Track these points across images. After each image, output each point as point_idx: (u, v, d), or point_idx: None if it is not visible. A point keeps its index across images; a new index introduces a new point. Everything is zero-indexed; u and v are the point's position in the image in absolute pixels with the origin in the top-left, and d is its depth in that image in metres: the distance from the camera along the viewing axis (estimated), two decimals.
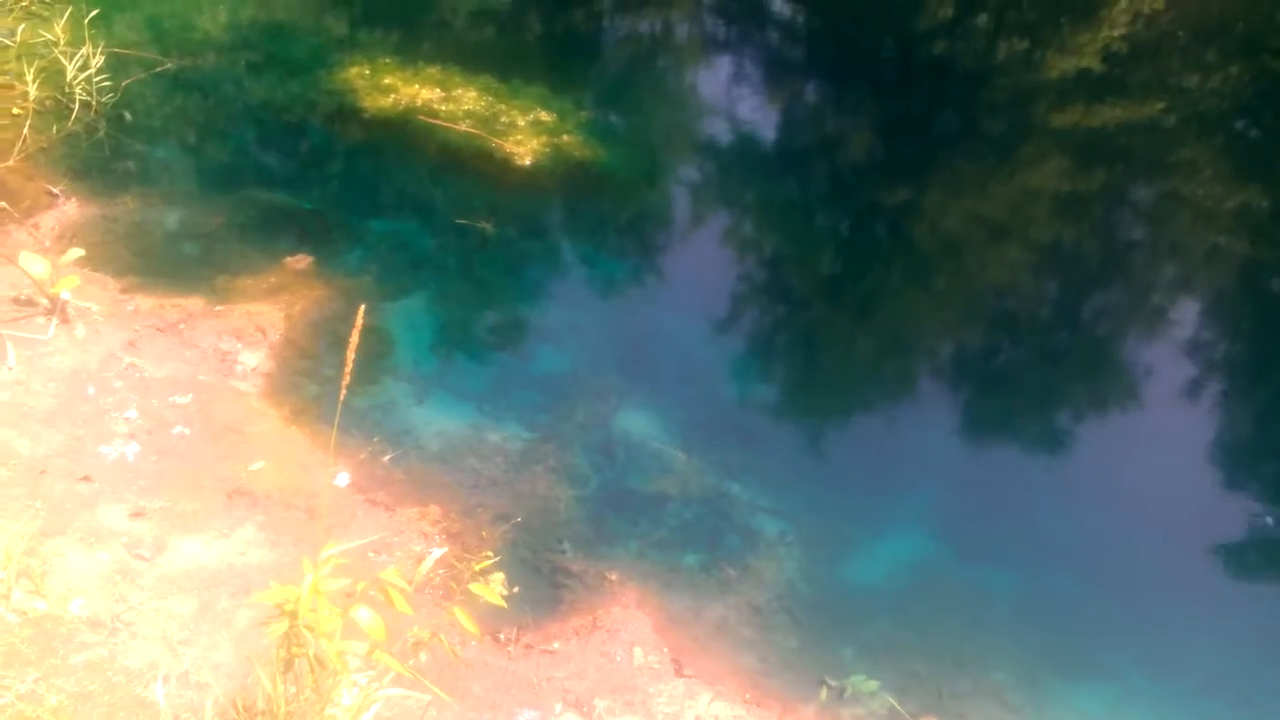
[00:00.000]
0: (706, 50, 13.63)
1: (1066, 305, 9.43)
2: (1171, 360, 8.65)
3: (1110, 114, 12.54)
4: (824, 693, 5.37)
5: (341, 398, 3.34)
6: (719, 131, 11.09)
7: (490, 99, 10.13)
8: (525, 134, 9.67)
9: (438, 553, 4.03)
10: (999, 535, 6.69)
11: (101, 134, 8.72)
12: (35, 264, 6.24)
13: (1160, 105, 13.02)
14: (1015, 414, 7.93)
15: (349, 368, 3.21)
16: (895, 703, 5.36)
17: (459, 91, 10.16)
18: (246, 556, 5.26)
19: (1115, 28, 14.59)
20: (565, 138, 9.76)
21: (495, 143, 9.47)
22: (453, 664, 4.72)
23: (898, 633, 5.85)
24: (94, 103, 8.85)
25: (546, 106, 10.19)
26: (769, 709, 5.21)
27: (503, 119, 9.86)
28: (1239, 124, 13.64)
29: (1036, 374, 8.39)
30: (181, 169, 8.60)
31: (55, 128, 8.60)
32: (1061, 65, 13.97)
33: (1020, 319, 9.09)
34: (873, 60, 13.59)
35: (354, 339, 3.18)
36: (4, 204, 7.52)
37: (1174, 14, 14.44)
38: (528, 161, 9.33)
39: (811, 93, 13.20)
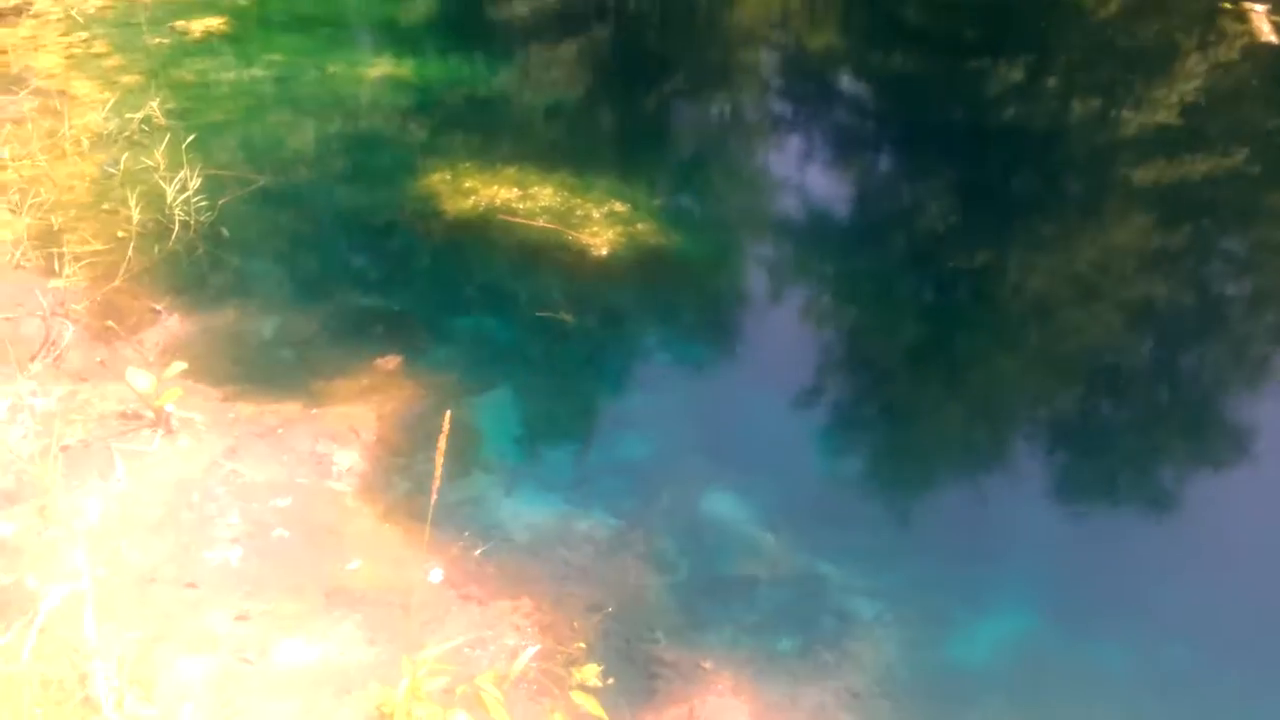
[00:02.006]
0: (776, 130, 13.82)
1: (1163, 362, 9.20)
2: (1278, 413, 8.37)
3: (1192, 167, 12.35)
4: None
5: (434, 499, 3.42)
6: (792, 211, 11.21)
7: (566, 194, 10.40)
8: (601, 225, 9.88)
9: (531, 650, 4.00)
10: (1108, 608, 6.47)
11: (201, 252, 9.16)
12: (140, 379, 6.55)
13: (1243, 154, 12.78)
14: (1117, 479, 7.72)
15: (439, 469, 3.30)
16: None
17: (535, 189, 10.46)
18: (346, 655, 5.35)
19: (1191, 80, 14.43)
20: (639, 226, 9.95)
21: (571, 235, 9.70)
22: None
23: (1006, 716, 5.65)
24: (193, 222, 9.33)
25: (620, 197, 10.42)
26: None
27: (578, 212, 10.10)
28: None
29: (1137, 435, 8.17)
30: (277, 280, 8.97)
31: (157, 248, 9.08)
32: (1138, 121, 13.83)
33: (1115, 379, 8.88)
34: (944, 130, 13.60)
35: (441, 443, 3.29)
36: (111, 323, 7.93)
37: (1249, 63, 14.22)
38: (604, 252, 9.52)
39: (883, 166, 13.26)
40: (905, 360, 9.02)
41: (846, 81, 15.69)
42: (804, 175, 12.25)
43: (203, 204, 9.42)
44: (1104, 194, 12.05)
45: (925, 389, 8.65)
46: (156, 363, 7.56)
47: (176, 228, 9.27)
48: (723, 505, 6.92)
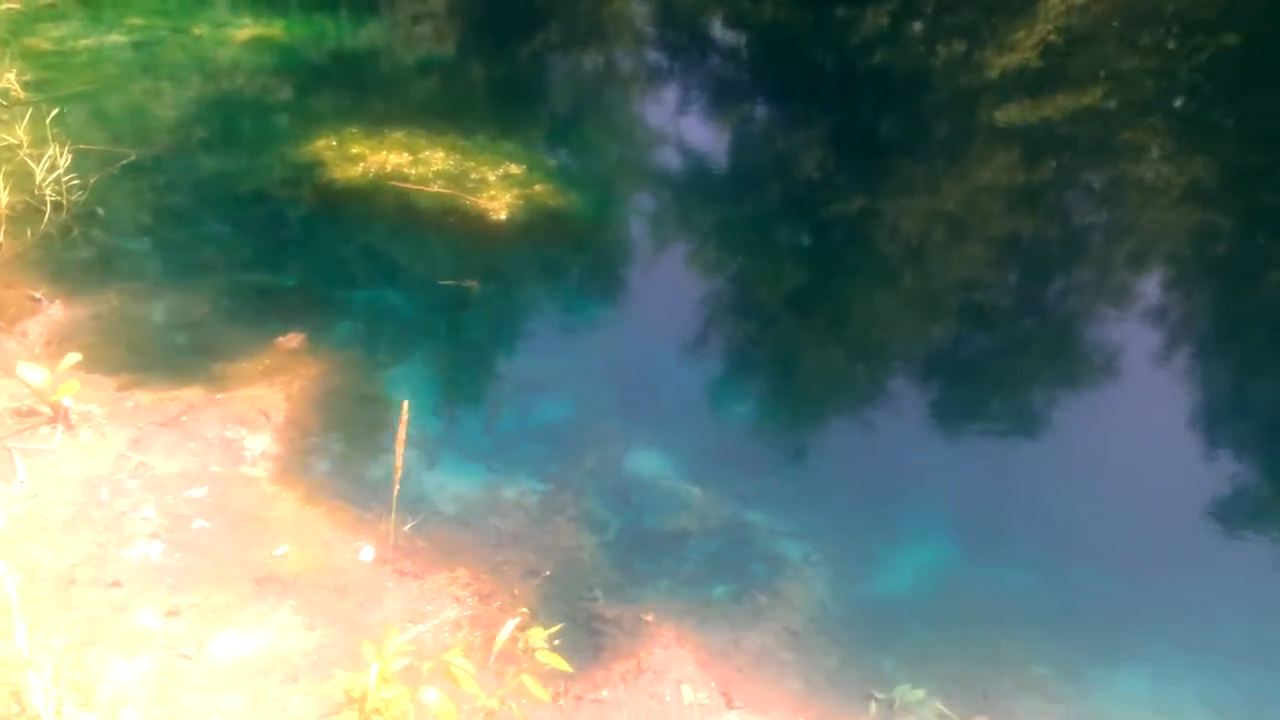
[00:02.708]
0: (652, 82, 13.85)
1: (1034, 294, 9.67)
2: (1148, 335, 8.95)
3: (1053, 106, 12.90)
4: (874, 707, 5.44)
5: (396, 490, 3.37)
6: (678, 163, 11.30)
7: (458, 157, 10.24)
8: (497, 188, 9.77)
9: (512, 624, 4.00)
10: (1012, 531, 6.82)
11: (76, 233, 8.71)
12: (33, 373, 6.23)
13: (1101, 92, 13.39)
14: (1004, 407, 8.16)
15: (399, 459, 3.27)
16: (944, 708, 5.43)
17: (426, 153, 10.25)
18: (286, 642, 5.26)
19: (1049, 21, 14.99)
20: (536, 188, 9.87)
21: (468, 199, 9.56)
22: None
23: (933, 639, 5.93)
24: (65, 202, 8.85)
25: (513, 159, 10.32)
26: None
27: (473, 176, 9.96)
28: (1178, 102, 14.06)
29: (1018, 364, 8.60)
30: (160, 260, 8.59)
31: (29, 231, 8.59)
32: (1001, 63, 14.34)
33: (992, 312, 9.33)
34: (814, 77, 13.87)
35: (401, 433, 3.27)
36: None
37: (1106, 3, 14.84)
38: (503, 215, 9.42)
39: (759, 115, 13.44)
40: (793, 306, 9.24)
41: (718, 30, 15.78)
42: (683, 127, 12.34)
43: (74, 182, 8.93)
44: (969, 135, 12.51)
45: (814, 333, 8.87)
46: (45, 355, 7.20)
47: (48, 209, 8.78)
48: (645, 462, 7.00)
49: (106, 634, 5.06)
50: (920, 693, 5.50)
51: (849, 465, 7.39)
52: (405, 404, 3.40)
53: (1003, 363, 8.70)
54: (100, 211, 8.96)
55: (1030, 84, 13.55)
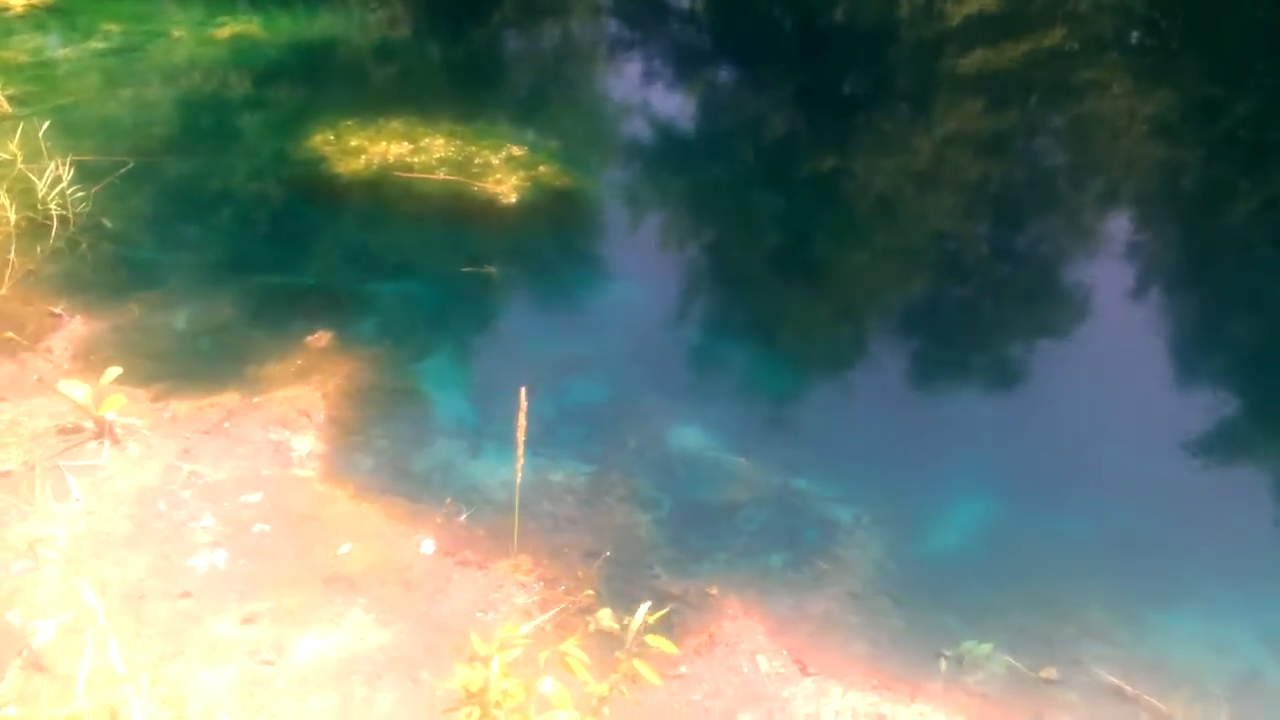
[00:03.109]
0: (625, 52, 13.87)
1: (1032, 239, 9.81)
2: (1147, 274, 9.07)
3: (1015, 50, 13.01)
4: (943, 664, 5.53)
5: (518, 479, 3.39)
6: (666, 132, 11.41)
7: (459, 143, 10.18)
8: (502, 172, 9.73)
9: (644, 607, 4.02)
10: (1052, 477, 6.94)
11: (85, 246, 8.60)
12: (76, 389, 6.19)
13: (1061, 33, 13.48)
14: (1028, 354, 8.28)
15: (520, 448, 3.28)
16: (1013, 661, 5.54)
17: (426, 141, 10.19)
18: (363, 641, 5.28)
19: None
20: (541, 169, 9.84)
21: (476, 185, 9.52)
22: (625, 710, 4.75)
23: (991, 592, 6.03)
24: (70, 215, 8.75)
25: (513, 141, 10.29)
26: (899, 691, 5.36)
27: (476, 161, 9.91)
28: (1135, 36, 14.20)
29: (1035, 312, 8.74)
30: (174, 266, 8.50)
31: (39, 247, 8.48)
32: (962, 11, 14.40)
33: (1000, 261, 9.46)
34: (776, 37, 13.85)
35: (521, 420, 3.26)
36: (10, 334, 7.41)
37: None
38: (513, 199, 9.39)
39: (736, 76, 13.51)
40: (812, 270, 9.30)
41: None
42: (664, 95, 12.43)
43: (77, 195, 8.81)
44: (934, 86, 12.61)
45: (836, 297, 8.94)
46: (75, 370, 7.14)
47: (54, 223, 8.67)
48: (687, 436, 7.04)
49: (186, 645, 5.07)
50: (987, 647, 5.60)
51: (885, 425, 7.45)
52: (523, 390, 3.40)
53: (1021, 311, 8.80)
54: (106, 222, 8.86)
55: (991, 30, 13.65)
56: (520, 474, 3.66)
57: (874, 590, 6.01)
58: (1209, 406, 7.54)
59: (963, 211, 10.16)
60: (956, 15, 14.20)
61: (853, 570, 6.11)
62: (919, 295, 8.99)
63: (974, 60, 12.86)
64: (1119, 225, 10.02)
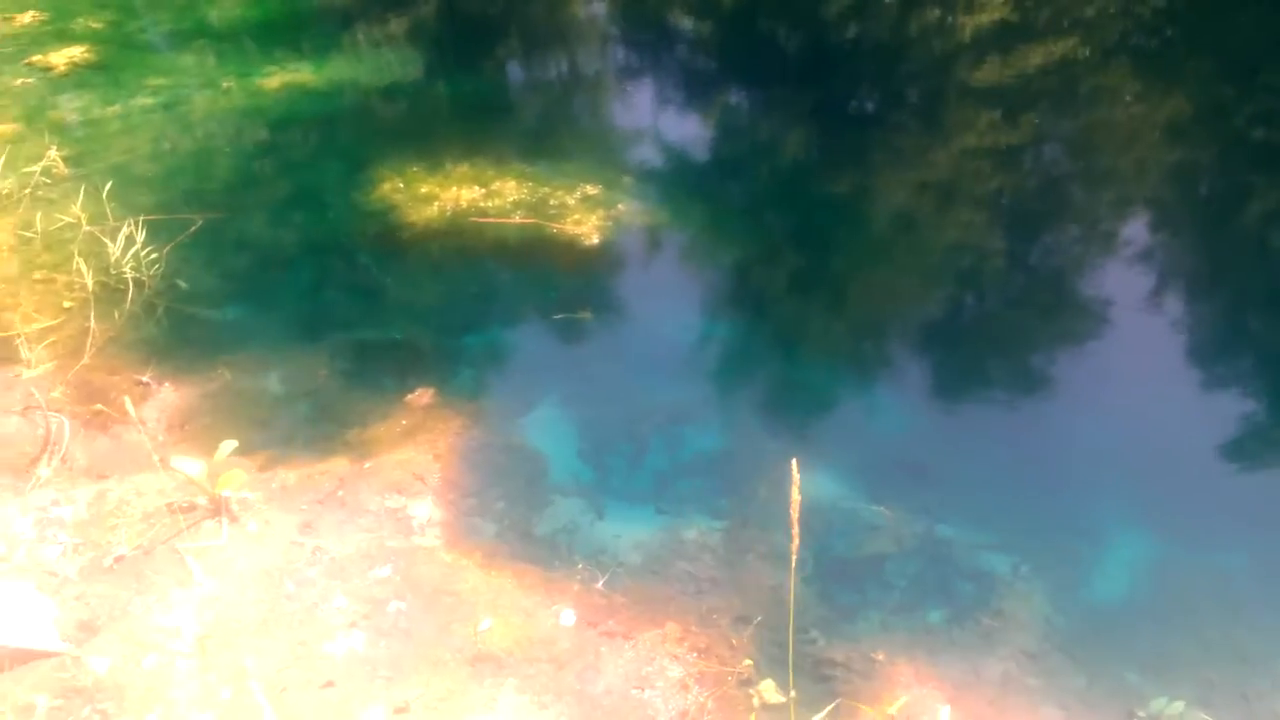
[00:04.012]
0: (671, 84, 13.56)
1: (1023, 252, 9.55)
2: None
3: (1026, 60, 12.79)
4: None
5: (793, 561, 3.08)
6: (731, 162, 11.09)
7: (531, 184, 9.91)
8: (581, 213, 9.45)
9: (946, 710, 3.68)
10: (1205, 508, 6.59)
11: (164, 309, 8.31)
12: (190, 465, 5.87)
13: (1070, 41, 13.26)
14: (1165, 375, 7.90)
15: (795, 525, 2.97)
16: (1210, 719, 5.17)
17: (497, 184, 9.92)
18: None
19: None
20: (621, 207, 9.56)
21: (555, 227, 9.24)
22: None
23: (1168, 641, 5.69)
24: (145, 278, 8.47)
25: (586, 180, 10.00)
26: None
27: (552, 202, 9.63)
28: (1141, 40, 14.01)
29: (1171, 333, 8.38)
30: (257, 327, 8.21)
31: (116, 313, 8.20)
32: (973, 23, 14.17)
33: (995, 278, 9.21)
34: (789, 56, 13.67)
35: (795, 494, 2.95)
36: (100, 405, 7.11)
37: None
38: (595, 240, 9.11)
39: (773, 100, 13.16)
40: (917, 302, 8.97)
41: (689, 22, 15.48)
42: (716, 122, 12.20)
43: (149, 256, 8.53)
44: (949, 99, 12.40)
45: (954, 330, 8.59)
46: (171, 440, 6.85)
47: (130, 287, 8.39)
48: (816, 485, 6.69)
49: None
50: (1179, 705, 5.25)
51: (1017, 459, 7.06)
52: (795, 461, 3.10)
53: (1118, 329, 8.45)
54: (182, 284, 8.57)
55: (1003, 41, 13.46)
56: (795, 553, 3.27)
57: (1049, 647, 5.66)
58: None
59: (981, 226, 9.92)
60: (968, 28, 14.00)
61: (1020, 626, 5.76)
62: (1011, 319, 8.65)
63: (987, 72, 12.69)
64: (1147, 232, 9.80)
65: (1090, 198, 10.30)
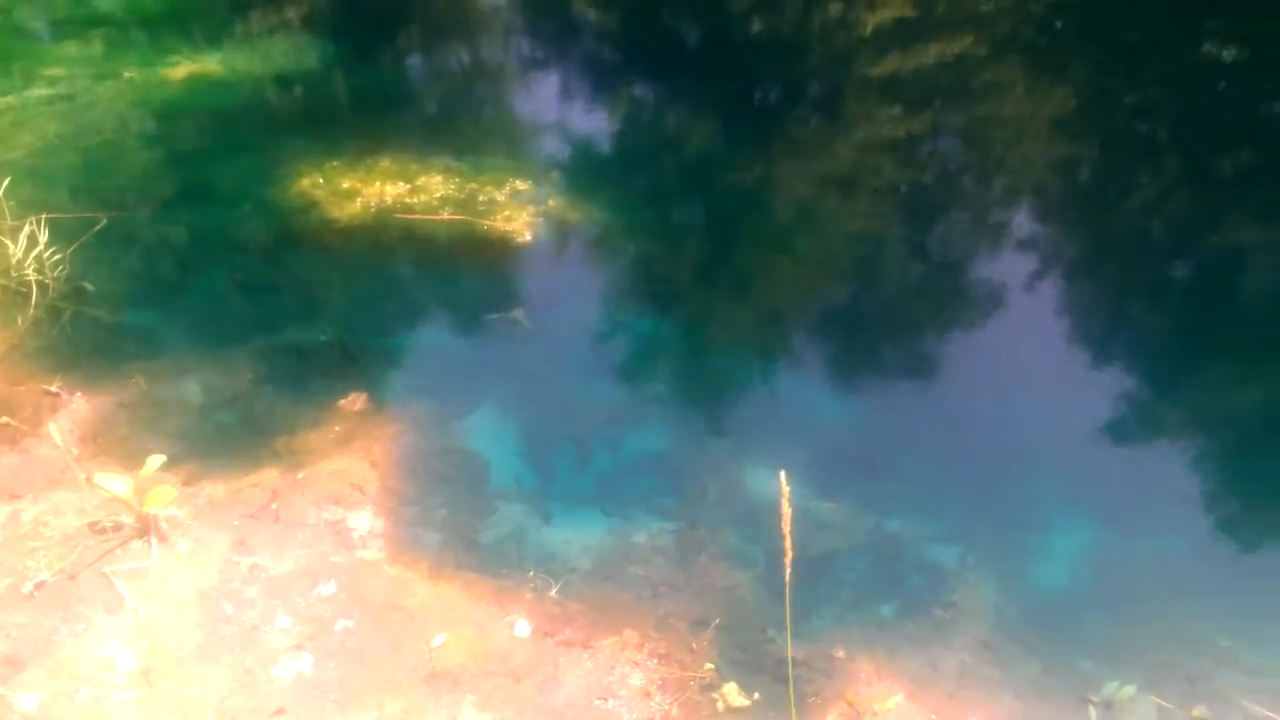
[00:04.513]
0: (598, 77, 13.42)
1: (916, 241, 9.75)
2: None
3: (924, 56, 13.11)
4: (1093, 713, 5.27)
5: (788, 577, 3.00)
6: (661, 155, 11.04)
7: (457, 179, 9.67)
8: (511, 209, 9.25)
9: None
10: (1142, 496, 6.76)
11: (70, 314, 7.87)
12: (116, 482, 5.54)
13: (969, 38, 13.61)
14: (1101, 366, 8.10)
15: (788, 539, 2.90)
16: (1161, 701, 5.29)
17: (422, 179, 9.65)
18: None
19: None
20: (550, 203, 9.40)
21: (485, 224, 9.03)
22: None
23: (1115, 627, 5.80)
24: (49, 281, 7.99)
25: (513, 174, 9.83)
26: None
27: (480, 198, 9.41)
28: (1032, 35, 14.49)
29: (1095, 319, 8.57)
30: (173, 331, 7.82)
31: (19, 318, 7.74)
32: (874, 20, 14.42)
33: (881, 266, 9.36)
34: (698, 49, 13.71)
35: (785, 508, 2.89)
36: (6, 419, 6.68)
37: None
38: (527, 237, 8.93)
39: (648, 94, 13.17)
40: (853, 295, 9.02)
41: (594, 13, 15.39)
42: (641, 116, 12.11)
43: (52, 257, 8.05)
44: (850, 92, 12.67)
45: (883, 324, 8.62)
46: (86, 454, 6.48)
47: (33, 290, 7.91)
48: (763, 483, 6.66)
49: None
50: (1130, 689, 5.34)
51: (959, 452, 7.09)
52: (783, 474, 3.03)
53: (1077, 324, 8.67)
54: (88, 286, 8.12)
55: (902, 37, 13.76)
56: (789, 568, 3.19)
57: (1000, 637, 5.71)
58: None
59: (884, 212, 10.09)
60: (869, 24, 14.24)
61: (972, 616, 5.82)
62: (962, 315, 8.75)
63: (886, 66, 12.97)
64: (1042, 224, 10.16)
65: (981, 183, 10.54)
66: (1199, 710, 5.26)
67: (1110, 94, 12.45)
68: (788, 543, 3.03)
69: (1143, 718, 5.26)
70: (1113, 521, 6.52)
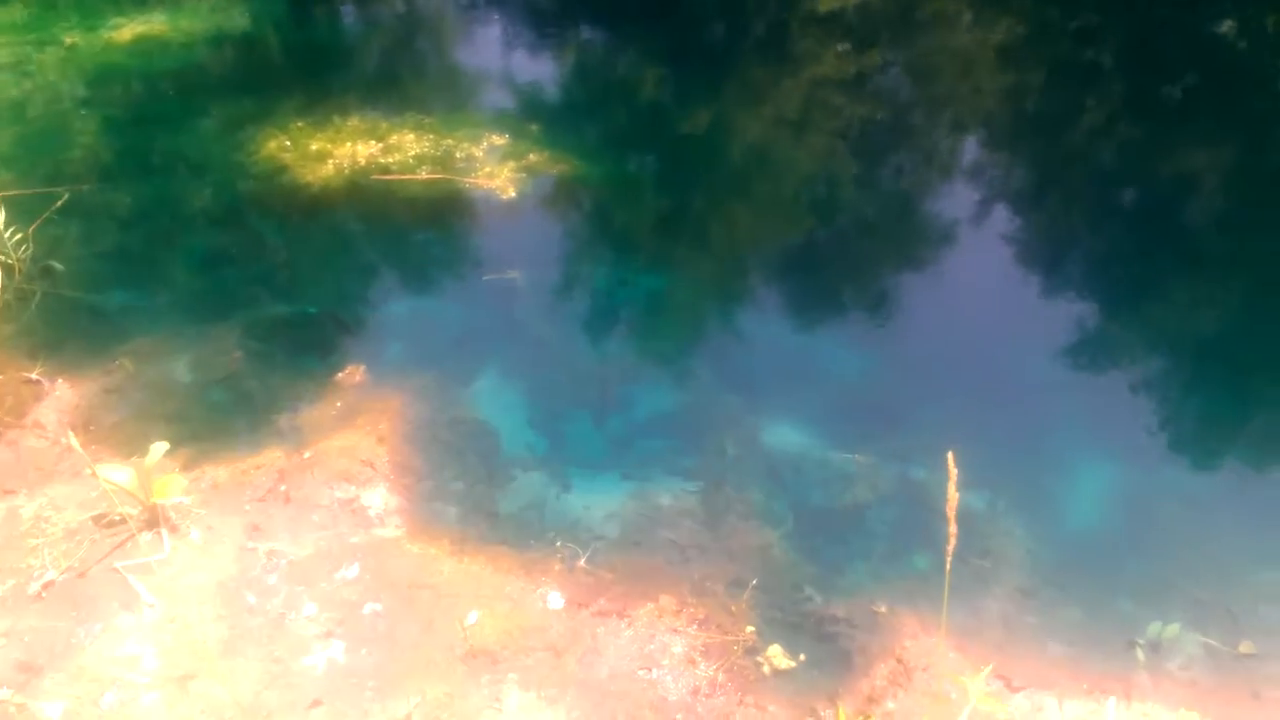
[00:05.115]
0: (556, 25, 13.03)
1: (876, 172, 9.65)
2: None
3: None
4: (1140, 654, 5.23)
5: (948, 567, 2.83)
6: (639, 103, 10.67)
7: (432, 136, 9.32)
8: (492, 164, 8.94)
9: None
10: (1164, 431, 6.74)
11: (41, 296, 7.47)
12: (119, 473, 5.24)
13: None
14: (1113, 300, 8.01)
15: (953, 524, 2.73)
16: (1205, 639, 5.26)
17: (394, 138, 9.29)
18: None
19: None
20: (532, 157, 9.09)
21: (467, 182, 8.71)
22: None
23: (1154, 567, 5.76)
24: (14, 262, 7.55)
25: (491, 128, 9.51)
26: (1112, 691, 5.01)
27: (458, 154, 9.08)
28: None
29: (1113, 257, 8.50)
30: (153, 310, 7.46)
31: None
32: None
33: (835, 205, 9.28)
34: None
35: (952, 491, 2.72)
36: None
37: None
38: (512, 194, 8.63)
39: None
40: (865, 238, 8.87)
41: None
42: (613, 63, 11.74)
43: (13, 237, 7.61)
44: (795, 31, 12.43)
45: (891, 267, 8.50)
46: (80, 444, 6.10)
47: None
48: (784, 437, 6.53)
49: None
50: (1174, 628, 5.31)
51: (977, 395, 6.96)
52: (951, 455, 2.86)
53: (1100, 256, 8.61)
54: (58, 266, 7.70)
55: None
56: (950, 557, 3.04)
57: (1039, 584, 5.64)
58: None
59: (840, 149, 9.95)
60: None
61: (1010, 562, 5.74)
62: (971, 258, 8.63)
63: (832, 1, 12.78)
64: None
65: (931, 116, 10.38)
66: (1245, 645, 5.24)
67: (1053, 22, 12.41)
68: (952, 527, 2.86)
69: (1191, 657, 5.22)
70: (1141, 458, 6.49)
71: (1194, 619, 5.39)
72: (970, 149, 10.11)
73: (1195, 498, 6.19)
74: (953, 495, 2.81)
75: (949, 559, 2.99)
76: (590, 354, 7.27)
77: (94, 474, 5.26)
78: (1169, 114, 10.56)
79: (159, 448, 5.37)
